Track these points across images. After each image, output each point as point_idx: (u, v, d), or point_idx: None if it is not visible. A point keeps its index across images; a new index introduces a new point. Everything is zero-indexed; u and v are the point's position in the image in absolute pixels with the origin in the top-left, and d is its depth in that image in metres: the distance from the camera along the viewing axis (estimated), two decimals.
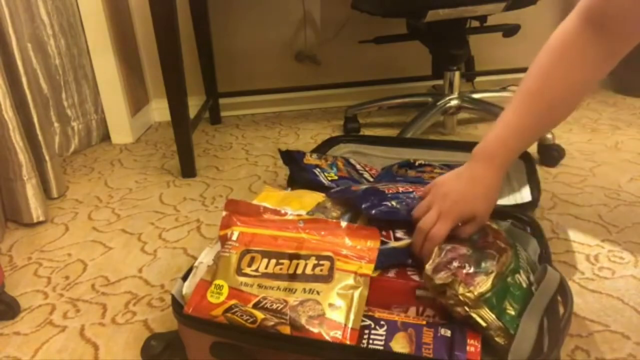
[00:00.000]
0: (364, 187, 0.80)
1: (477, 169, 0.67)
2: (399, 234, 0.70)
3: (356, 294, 0.59)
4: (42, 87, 1.46)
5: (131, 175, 1.41)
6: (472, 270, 0.58)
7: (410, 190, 0.78)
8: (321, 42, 1.90)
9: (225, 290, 0.60)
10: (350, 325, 0.56)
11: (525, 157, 1.11)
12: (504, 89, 1.70)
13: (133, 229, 1.09)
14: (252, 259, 0.64)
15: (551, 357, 0.51)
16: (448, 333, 0.55)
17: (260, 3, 1.82)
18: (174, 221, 1.12)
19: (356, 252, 0.64)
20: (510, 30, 1.46)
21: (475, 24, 1.50)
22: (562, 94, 0.64)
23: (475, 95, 1.51)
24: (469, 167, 0.68)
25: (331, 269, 0.61)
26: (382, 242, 0.67)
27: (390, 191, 0.77)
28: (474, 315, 0.55)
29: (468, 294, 0.55)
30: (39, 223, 1.14)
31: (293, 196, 0.83)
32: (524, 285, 0.60)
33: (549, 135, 1.30)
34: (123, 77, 1.67)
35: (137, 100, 1.79)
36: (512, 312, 0.56)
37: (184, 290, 0.65)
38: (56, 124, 1.53)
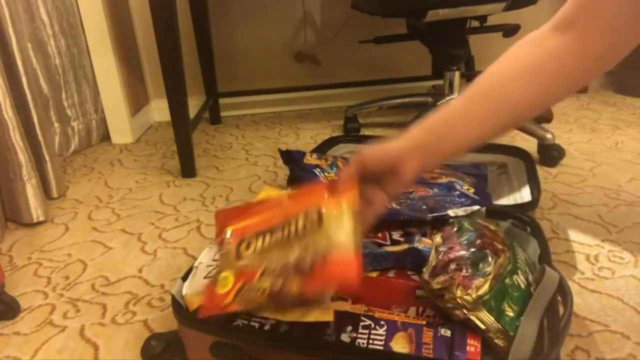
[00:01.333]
0: None
1: (397, 143, 0.60)
2: (396, 235, 0.70)
3: (350, 224, 0.57)
4: (42, 87, 1.46)
5: (131, 175, 1.41)
6: (469, 272, 0.58)
7: (410, 190, 0.78)
8: (321, 42, 1.90)
9: (231, 278, 0.59)
10: (354, 256, 0.54)
11: (525, 157, 1.11)
12: None
13: (133, 229, 1.09)
14: (249, 244, 0.63)
15: (551, 357, 0.51)
16: (448, 333, 0.55)
17: (260, 3, 1.82)
18: (174, 221, 1.12)
19: (338, 199, 0.61)
20: (510, 30, 1.46)
21: (475, 24, 1.50)
22: (506, 83, 0.58)
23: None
24: (392, 140, 0.60)
25: (319, 216, 0.59)
26: (378, 245, 0.67)
27: None
28: (473, 318, 0.55)
29: (466, 297, 0.55)
30: (39, 223, 1.14)
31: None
32: (522, 286, 0.60)
33: (549, 135, 1.30)
34: (123, 77, 1.67)
35: (137, 100, 1.79)
36: (511, 314, 0.56)
37: (184, 291, 0.65)
38: (56, 124, 1.53)
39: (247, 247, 0.63)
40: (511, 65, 0.58)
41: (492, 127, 0.60)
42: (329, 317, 0.56)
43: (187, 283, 0.66)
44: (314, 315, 0.56)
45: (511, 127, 0.62)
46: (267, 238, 0.62)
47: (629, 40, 0.54)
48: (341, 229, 0.56)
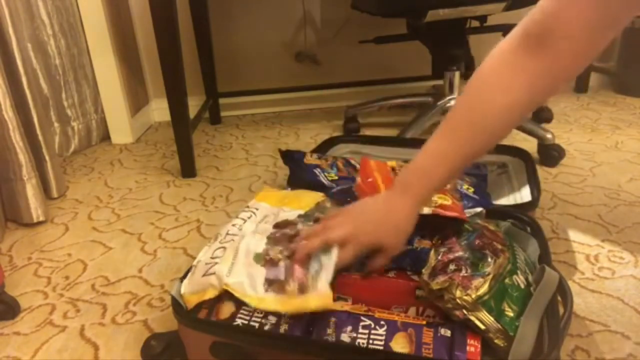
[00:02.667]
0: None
1: (393, 198, 0.64)
2: None
3: None
4: (42, 87, 1.46)
5: (131, 175, 1.41)
6: (468, 273, 0.58)
7: None
8: (321, 42, 1.90)
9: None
10: None
11: (525, 157, 1.11)
12: None
13: (133, 229, 1.09)
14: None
15: (551, 357, 0.51)
16: (448, 333, 0.55)
17: (260, 3, 1.82)
18: (174, 221, 1.12)
19: None
20: (510, 30, 1.46)
21: (475, 24, 1.50)
22: (489, 119, 0.60)
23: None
24: (386, 195, 0.66)
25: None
26: None
27: None
28: (473, 319, 0.55)
29: (466, 298, 0.55)
30: (39, 223, 1.14)
31: (292, 196, 0.83)
32: (522, 286, 0.60)
33: (549, 135, 1.30)
34: (123, 77, 1.67)
35: (137, 100, 1.79)
36: (511, 314, 0.56)
37: (182, 289, 0.65)
38: (56, 124, 1.53)
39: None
40: (497, 106, 0.59)
41: (464, 166, 0.63)
42: (329, 303, 0.57)
43: (185, 282, 0.66)
44: (314, 304, 0.57)
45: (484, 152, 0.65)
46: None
47: (595, 55, 0.56)
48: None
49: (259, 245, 0.67)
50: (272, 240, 0.68)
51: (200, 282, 0.64)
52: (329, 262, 0.61)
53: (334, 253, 0.62)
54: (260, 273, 0.63)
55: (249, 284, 0.61)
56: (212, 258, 0.66)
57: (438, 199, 0.71)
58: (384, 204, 0.65)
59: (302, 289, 0.60)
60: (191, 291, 0.64)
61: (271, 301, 0.59)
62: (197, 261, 0.68)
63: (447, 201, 0.69)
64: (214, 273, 0.63)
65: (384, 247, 0.62)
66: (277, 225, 0.72)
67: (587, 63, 0.58)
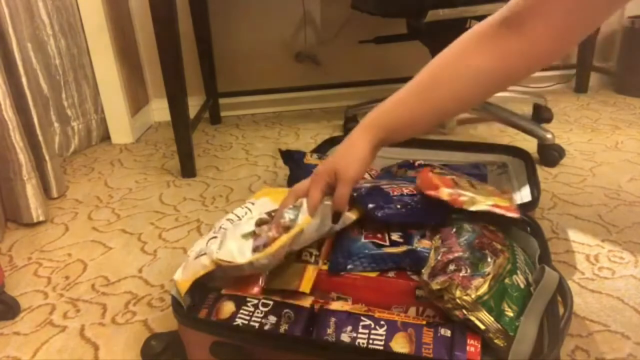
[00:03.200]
0: (366, 184, 0.79)
1: (353, 134, 0.69)
2: (395, 236, 0.70)
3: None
4: (42, 87, 1.46)
5: (131, 175, 1.41)
6: (468, 273, 0.58)
7: (415, 192, 0.78)
8: (321, 42, 1.90)
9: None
10: None
11: (525, 157, 1.11)
12: None
13: (133, 229, 1.09)
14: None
15: (551, 357, 0.51)
16: (448, 333, 0.55)
17: (260, 3, 1.82)
18: (174, 221, 1.12)
19: None
20: None
21: (475, 24, 1.50)
22: (453, 77, 0.63)
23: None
24: (351, 133, 0.70)
25: None
26: (377, 245, 0.67)
27: (395, 192, 0.76)
28: (473, 319, 0.55)
29: (465, 298, 0.55)
30: (39, 223, 1.14)
31: None
32: (522, 286, 0.60)
33: (549, 135, 1.30)
34: (123, 77, 1.67)
35: (137, 100, 1.79)
36: (511, 314, 0.56)
37: (176, 276, 0.66)
38: (56, 124, 1.53)
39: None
40: (463, 65, 0.62)
41: (429, 114, 0.67)
42: (308, 222, 0.62)
43: (179, 270, 0.66)
44: (295, 229, 0.61)
45: (440, 121, 0.71)
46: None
47: (573, 43, 0.59)
48: None
49: (248, 228, 0.67)
50: (258, 223, 0.69)
51: (193, 266, 0.65)
52: (303, 209, 0.65)
53: (304, 204, 0.65)
54: (248, 244, 0.64)
55: (238, 251, 0.62)
56: (205, 247, 0.67)
57: (496, 199, 0.71)
58: (345, 140, 0.69)
59: (285, 231, 0.63)
60: (184, 277, 0.65)
61: (261, 254, 0.61)
62: (191, 251, 0.69)
63: (505, 203, 0.70)
64: (205, 253, 0.64)
65: (337, 172, 0.66)
66: (267, 214, 0.73)
67: (564, 49, 0.60)
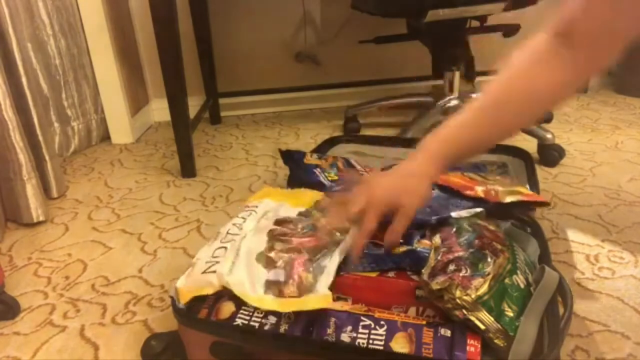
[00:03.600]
0: None
1: (411, 160, 0.66)
2: None
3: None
4: (42, 87, 1.46)
5: (131, 175, 1.41)
6: (468, 273, 0.58)
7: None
8: (321, 42, 1.90)
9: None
10: None
11: (525, 157, 1.11)
12: None
13: (133, 229, 1.09)
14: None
15: (551, 357, 0.51)
16: (448, 333, 0.55)
17: (260, 3, 1.82)
18: (174, 221, 1.12)
19: None
20: (510, 30, 1.46)
21: (475, 24, 1.50)
22: (512, 101, 0.63)
23: (475, 96, 1.50)
24: (407, 160, 0.68)
25: None
26: (377, 246, 0.67)
27: None
28: (473, 319, 0.55)
29: (465, 298, 0.55)
30: (39, 223, 1.14)
31: (291, 194, 0.84)
32: (522, 286, 0.60)
33: (549, 135, 1.30)
34: (123, 77, 1.67)
35: (137, 100, 1.79)
36: (511, 314, 0.56)
37: (178, 283, 0.65)
38: (56, 124, 1.53)
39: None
40: (527, 86, 0.62)
41: (495, 136, 0.66)
42: (328, 303, 0.57)
43: (182, 277, 0.66)
44: (312, 304, 0.57)
45: (502, 141, 0.69)
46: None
47: (619, 52, 0.58)
48: None
49: (260, 244, 0.67)
50: (272, 237, 0.69)
51: (199, 279, 0.64)
52: (331, 266, 0.62)
53: (336, 257, 0.63)
54: (261, 274, 0.63)
55: (249, 283, 0.61)
56: (212, 257, 0.66)
57: (516, 188, 0.72)
58: (402, 166, 0.67)
59: (301, 292, 0.60)
60: (187, 287, 0.64)
61: (270, 302, 0.60)
62: (197, 259, 0.68)
63: (527, 191, 0.70)
64: (214, 272, 0.63)
65: (400, 205, 0.63)
66: (277, 222, 0.73)
67: (619, 48, 0.58)
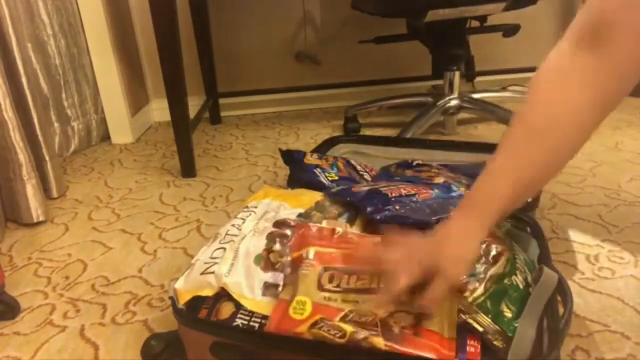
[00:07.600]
0: (365, 188, 0.79)
1: (454, 220, 0.57)
2: None
3: (447, 303, 0.56)
4: (42, 87, 1.46)
5: (131, 175, 1.41)
6: (465, 276, 0.58)
7: (413, 192, 0.78)
8: (321, 42, 1.90)
9: (309, 306, 0.58)
10: (446, 335, 0.54)
11: None
12: (504, 89, 1.71)
13: (133, 229, 1.09)
14: (332, 276, 0.61)
15: (551, 357, 0.51)
16: None
17: (260, 3, 1.82)
18: (174, 221, 1.12)
19: None
20: (510, 30, 1.46)
21: (475, 24, 1.50)
22: (549, 130, 0.54)
23: (475, 95, 1.50)
24: (449, 219, 0.59)
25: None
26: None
27: (393, 194, 0.76)
28: (470, 321, 0.55)
29: (462, 301, 0.55)
30: (39, 223, 1.14)
31: (291, 194, 0.83)
32: (521, 286, 0.60)
33: None
34: (123, 77, 1.67)
35: (137, 100, 1.79)
36: (510, 315, 0.56)
37: (177, 284, 0.65)
38: (56, 124, 1.53)
39: (331, 279, 0.61)
40: (559, 110, 0.54)
41: (540, 179, 0.58)
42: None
43: (181, 278, 0.66)
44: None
45: (555, 175, 0.58)
46: (354, 279, 0.61)
47: None
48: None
49: (259, 246, 0.67)
50: (271, 239, 0.68)
51: (197, 280, 0.64)
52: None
53: None
54: (259, 276, 0.63)
55: (247, 285, 0.61)
56: (211, 258, 0.66)
57: None
58: (443, 226, 0.58)
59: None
60: (186, 287, 0.64)
61: (266, 306, 0.60)
62: (196, 259, 0.68)
63: None
64: (212, 272, 0.63)
65: (441, 268, 0.53)
66: (276, 224, 0.72)
67: None
